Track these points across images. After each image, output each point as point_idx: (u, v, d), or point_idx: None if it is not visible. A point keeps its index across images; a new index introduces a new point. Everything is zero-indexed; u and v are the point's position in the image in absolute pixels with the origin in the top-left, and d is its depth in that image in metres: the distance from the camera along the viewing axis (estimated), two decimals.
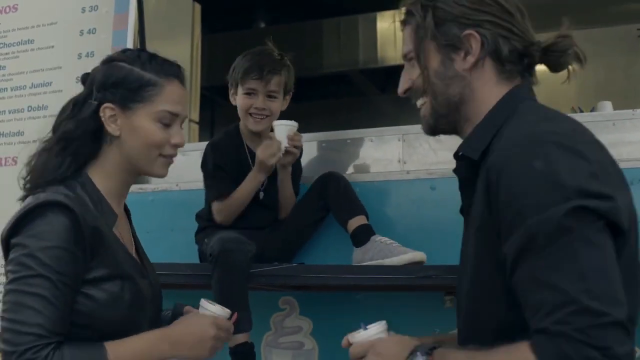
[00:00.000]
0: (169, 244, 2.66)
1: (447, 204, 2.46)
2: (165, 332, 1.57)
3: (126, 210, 1.77)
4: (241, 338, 2.21)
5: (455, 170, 1.50)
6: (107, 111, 1.60)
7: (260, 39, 2.59)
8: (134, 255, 1.68)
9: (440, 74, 1.43)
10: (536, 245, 1.17)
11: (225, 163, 2.47)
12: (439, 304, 2.37)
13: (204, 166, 2.50)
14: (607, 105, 3.00)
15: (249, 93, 2.47)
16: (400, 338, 1.42)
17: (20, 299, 1.44)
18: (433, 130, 1.51)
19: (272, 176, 2.48)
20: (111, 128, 1.60)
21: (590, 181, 1.18)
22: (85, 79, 1.69)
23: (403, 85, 1.52)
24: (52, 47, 3.09)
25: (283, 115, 2.53)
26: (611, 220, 1.18)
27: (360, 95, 8.10)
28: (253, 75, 2.45)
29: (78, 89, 1.73)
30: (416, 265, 2.21)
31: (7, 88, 3.09)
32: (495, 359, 1.22)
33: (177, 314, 1.76)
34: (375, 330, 1.44)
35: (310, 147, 2.72)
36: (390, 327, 2.44)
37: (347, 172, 2.64)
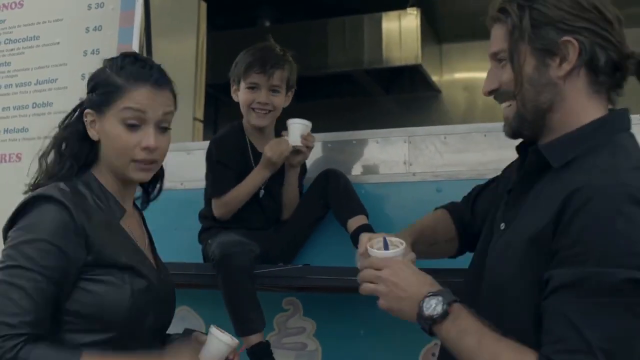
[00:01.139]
0: (174, 243, 2.65)
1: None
2: (148, 358, 1.55)
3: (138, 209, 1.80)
4: (256, 338, 2.21)
5: (522, 158, 1.48)
6: (88, 116, 1.64)
7: (265, 38, 2.59)
8: (145, 250, 1.69)
9: (533, 79, 1.37)
10: (584, 291, 1.19)
11: (229, 159, 2.46)
12: None
13: (207, 160, 2.50)
14: None
15: (252, 87, 2.46)
16: (418, 270, 1.40)
17: (0, 289, 1.45)
18: (515, 134, 1.46)
19: (276, 176, 2.47)
20: (91, 133, 1.64)
21: None
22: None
23: (490, 85, 1.45)
24: (58, 43, 3.08)
25: (286, 113, 2.53)
26: None
27: (364, 95, 8.08)
28: (256, 69, 2.44)
29: (83, 86, 1.74)
30: None
31: (12, 84, 3.09)
32: (501, 350, 1.24)
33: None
34: (396, 252, 1.44)
35: (316, 147, 2.70)
36: (395, 329, 2.45)
37: (353, 174, 2.63)
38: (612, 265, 1.17)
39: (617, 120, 1.38)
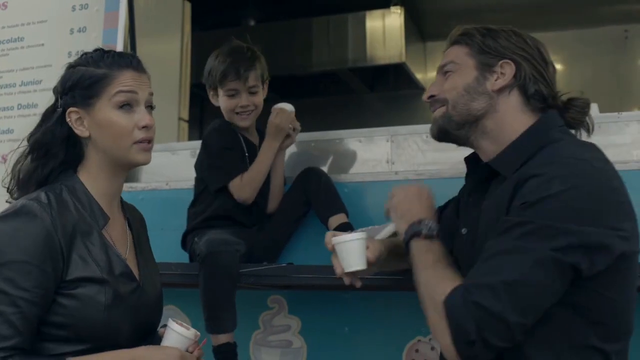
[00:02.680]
0: (160, 242, 2.65)
1: (435, 204, 2.48)
2: (127, 352, 1.54)
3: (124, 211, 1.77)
4: (224, 338, 2.22)
5: (470, 173, 1.71)
6: (72, 115, 1.63)
7: (250, 37, 2.61)
8: (127, 256, 1.67)
9: (471, 87, 1.60)
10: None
11: (232, 144, 2.50)
12: None
13: (207, 153, 2.50)
14: (594, 108, 3.01)
15: (231, 94, 2.49)
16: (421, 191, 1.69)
17: None
18: (440, 131, 1.67)
19: None
20: (79, 130, 1.64)
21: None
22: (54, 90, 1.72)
23: (431, 91, 1.68)
24: (42, 45, 3.10)
25: (269, 106, 2.56)
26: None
27: (349, 94, 8.12)
28: (231, 77, 2.48)
29: None
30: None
31: None
32: (436, 275, 1.49)
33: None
34: (354, 235, 1.74)
35: (299, 146, 2.73)
36: (379, 326, 2.47)
37: (336, 172, 2.65)
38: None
39: (549, 120, 1.58)
